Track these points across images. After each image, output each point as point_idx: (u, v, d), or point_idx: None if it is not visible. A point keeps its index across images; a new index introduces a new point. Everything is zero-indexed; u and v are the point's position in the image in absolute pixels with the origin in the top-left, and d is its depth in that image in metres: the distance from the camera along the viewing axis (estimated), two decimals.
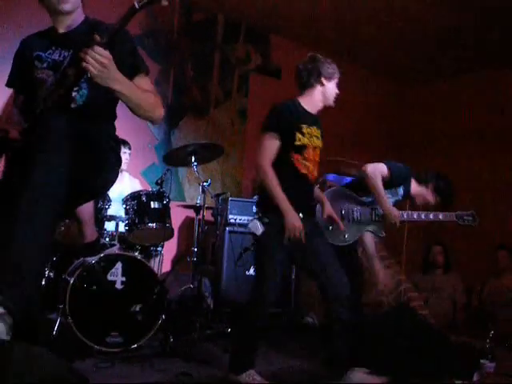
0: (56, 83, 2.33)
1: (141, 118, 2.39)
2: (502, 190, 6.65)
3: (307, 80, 3.35)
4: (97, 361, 3.31)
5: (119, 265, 3.62)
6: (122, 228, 4.23)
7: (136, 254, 3.97)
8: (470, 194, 6.10)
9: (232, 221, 5.11)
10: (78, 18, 2.46)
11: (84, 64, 2.02)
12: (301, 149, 3.18)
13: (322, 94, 3.37)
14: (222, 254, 5.06)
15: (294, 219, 3.01)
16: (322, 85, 3.34)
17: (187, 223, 5.82)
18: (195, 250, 4.55)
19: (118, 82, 2.13)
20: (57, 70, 2.39)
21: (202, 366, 3.43)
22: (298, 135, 3.18)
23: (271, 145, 3.15)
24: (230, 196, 5.38)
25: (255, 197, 5.57)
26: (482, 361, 3.61)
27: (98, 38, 2.05)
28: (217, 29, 6.44)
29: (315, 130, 3.29)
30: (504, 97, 6.88)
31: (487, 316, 4.80)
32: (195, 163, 4.38)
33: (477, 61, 6.91)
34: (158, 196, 4.24)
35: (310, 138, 3.23)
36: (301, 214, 3.09)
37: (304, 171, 3.21)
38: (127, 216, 4.19)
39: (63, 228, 3.71)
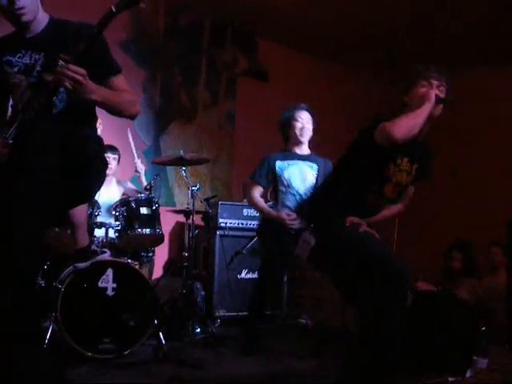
0: (33, 89, 2.34)
1: (116, 116, 2.48)
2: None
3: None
4: (90, 368, 3.31)
5: (110, 271, 3.61)
6: (111, 234, 4.23)
7: (127, 260, 3.96)
8: None
9: (222, 225, 5.12)
10: (41, 19, 2.47)
11: (61, 82, 2.12)
12: None
13: None
14: (213, 259, 5.07)
15: None
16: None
17: (178, 228, 5.82)
18: (186, 254, 4.55)
19: (93, 93, 2.25)
20: (29, 73, 2.40)
21: (195, 371, 3.43)
22: None
23: None
24: (220, 200, 5.38)
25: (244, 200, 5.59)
26: (474, 357, 3.63)
27: (67, 58, 2.14)
28: (203, 32, 6.44)
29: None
30: None
31: (483, 313, 4.79)
32: (183, 168, 4.39)
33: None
34: (148, 202, 4.24)
35: None
36: None
37: None
38: (117, 222, 4.18)
39: (53, 235, 3.70)
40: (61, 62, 2.14)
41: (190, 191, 4.52)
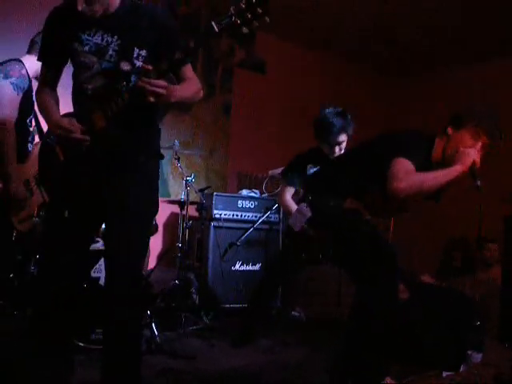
0: (107, 77, 2.35)
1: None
2: None
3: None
4: (81, 358, 3.28)
5: (103, 261, 3.58)
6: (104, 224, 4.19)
7: None
8: None
9: (217, 216, 5.08)
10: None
11: (144, 99, 2.21)
12: None
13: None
14: (207, 250, 5.03)
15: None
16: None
17: (172, 219, 5.79)
18: (180, 245, 4.52)
19: (171, 97, 2.32)
20: (100, 56, 2.34)
21: (188, 362, 3.41)
22: None
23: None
24: (215, 191, 5.35)
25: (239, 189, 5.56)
26: (468, 352, 3.62)
27: (150, 69, 2.21)
28: (200, 23, 6.39)
29: None
30: None
31: (478, 308, 4.80)
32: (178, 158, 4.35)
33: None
34: None
35: None
36: None
37: None
38: None
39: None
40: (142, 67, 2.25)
41: (184, 181, 4.48)
